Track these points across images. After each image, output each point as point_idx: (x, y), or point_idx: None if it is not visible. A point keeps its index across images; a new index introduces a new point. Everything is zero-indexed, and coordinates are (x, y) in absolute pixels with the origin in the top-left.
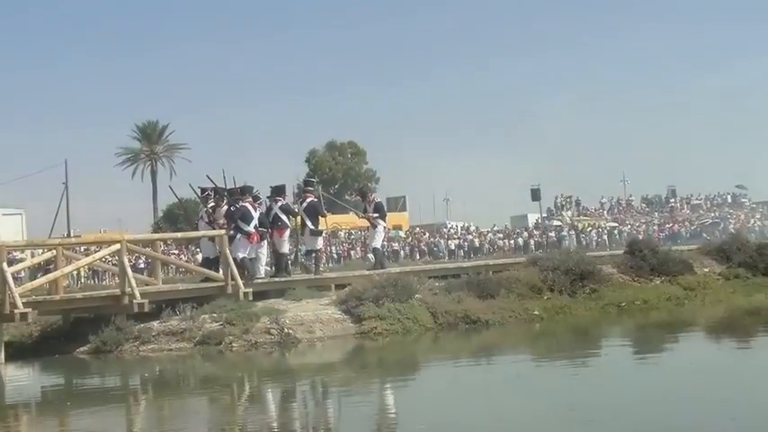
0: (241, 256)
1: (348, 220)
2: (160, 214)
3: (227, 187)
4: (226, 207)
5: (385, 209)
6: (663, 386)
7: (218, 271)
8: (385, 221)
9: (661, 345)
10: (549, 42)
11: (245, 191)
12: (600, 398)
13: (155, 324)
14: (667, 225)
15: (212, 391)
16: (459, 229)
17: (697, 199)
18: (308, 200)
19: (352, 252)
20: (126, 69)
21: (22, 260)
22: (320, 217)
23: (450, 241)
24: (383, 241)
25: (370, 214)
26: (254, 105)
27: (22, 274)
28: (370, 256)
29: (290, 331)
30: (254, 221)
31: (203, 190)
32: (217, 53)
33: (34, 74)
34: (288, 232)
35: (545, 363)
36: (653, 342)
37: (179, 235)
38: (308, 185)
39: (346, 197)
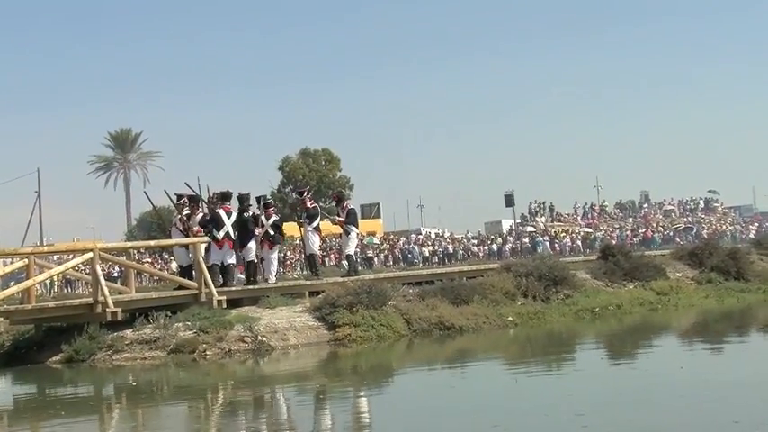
0: (227, 262)
1: (322, 227)
2: (134, 222)
3: (210, 194)
4: (201, 215)
5: (357, 217)
6: (660, 390)
7: (191, 279)
8: (357, 228)
9: (647, 349)
10: (522, 49)
11: (225, 197)
12: (603, 403)
13: (128, 332)
14: (640, 230)
15: (186, 400)
16: (433, 235)
17: (670, 204)
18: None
19: (326, 259)
20: (98, 77)
21: None
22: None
23: (424, 248)
24: (356, 248)
25: (342, 219)
26: (227, 113)
27: None
28: (345, 263)
29: (264, 339)
30: (226, 228)
31: (179, 197)
32: (190, 60)
33: (4, 81)
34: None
35: (536, 368)
36: (638, 347)
37: (152, 243)
38: (301, 195)
39: (320, 204)
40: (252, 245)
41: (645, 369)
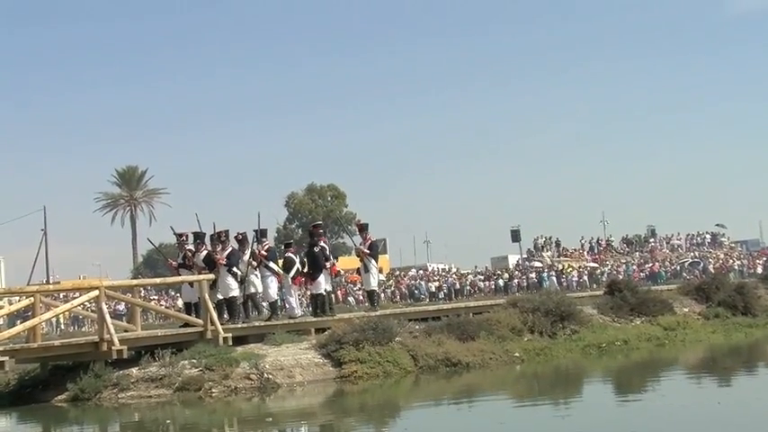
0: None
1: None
2: (140, 259)
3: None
4: (205, 252)
5: (378, 250)
6: (715, 427)
7: (197, 316)
8: (377, 262)
9: (670, 385)
10: (528, 84)
11: (264, 234)
12: None
13: (134, 371)
14: (647, 265)
15: None
16: (439, 270)
17: (677, 239)
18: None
19: (332, 295)
20: (104, 114)
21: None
22: None
23: (430, 283)
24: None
25: (367, 251)
26: (233, 149)
27: (0, 321)
28: (351, 299)
29: (270, 376)
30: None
31: (180, 235)
32: (195, 97)
33: (11, 118)
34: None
35: (570, 404)
36: (659, 382)
37: (158, 281)
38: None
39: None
40: (322, 278)
41: (681, 405)
